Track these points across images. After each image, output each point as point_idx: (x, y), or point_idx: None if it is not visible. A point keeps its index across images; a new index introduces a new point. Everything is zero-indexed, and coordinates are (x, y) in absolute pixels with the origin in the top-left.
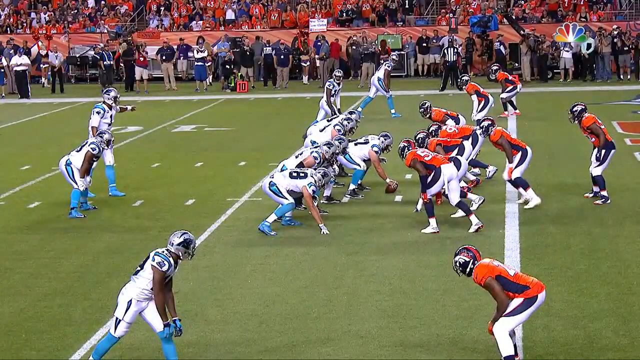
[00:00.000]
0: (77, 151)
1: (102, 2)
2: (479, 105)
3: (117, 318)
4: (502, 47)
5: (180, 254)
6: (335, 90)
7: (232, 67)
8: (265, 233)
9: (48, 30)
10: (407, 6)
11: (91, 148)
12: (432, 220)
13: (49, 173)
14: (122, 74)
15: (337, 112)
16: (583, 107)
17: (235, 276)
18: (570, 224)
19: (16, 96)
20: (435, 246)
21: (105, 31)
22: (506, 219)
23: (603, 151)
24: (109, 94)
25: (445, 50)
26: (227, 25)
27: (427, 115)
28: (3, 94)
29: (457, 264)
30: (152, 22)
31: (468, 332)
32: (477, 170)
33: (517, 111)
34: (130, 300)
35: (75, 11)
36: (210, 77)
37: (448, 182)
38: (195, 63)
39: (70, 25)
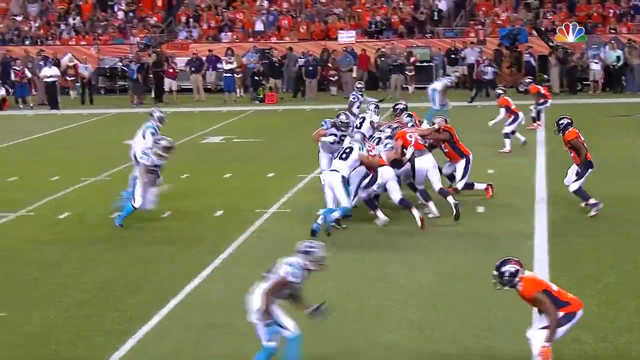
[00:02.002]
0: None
1: (132, 14)
2: (507, 120)
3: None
4: (531, 59)
5: (307, 264)
6: (359, 102)
7: (260, 78)
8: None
9: (77, 41)
10: (435, 18)
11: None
12: (379, 213)
13: (78, 184)
14: (151, 86)
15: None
16: (569, 120)
17: None
18: (600, 236)
19: (46, 107)
20: (463, 259)
21: (135, 42)
22: (535, 231)
23: (582, 168)
24: (154, 115)
25: (484, 68)
26: (256, 36)
27: (396, 116)
28: (32, 105)
29: (508, 273)
30: (181, 33)
31: (497, 345)
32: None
33: (538, 123)
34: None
35: (105, 22)
36: (240, 89)
37: (385, 183)
38: (224, 74)
39: (100, 37)
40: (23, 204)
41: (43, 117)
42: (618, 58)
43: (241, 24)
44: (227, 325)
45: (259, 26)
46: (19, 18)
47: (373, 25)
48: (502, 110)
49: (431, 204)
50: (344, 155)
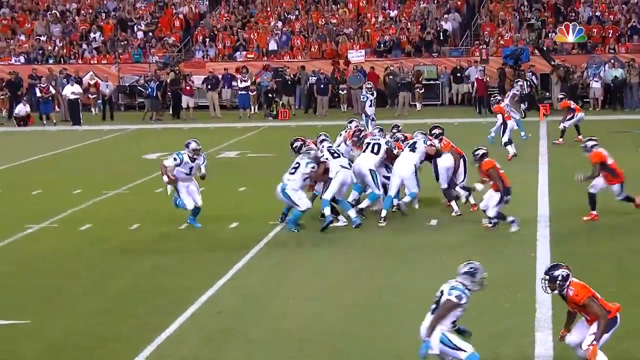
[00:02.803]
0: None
1: (151, 34)
2: (500, 127)
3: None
4: (533, 77)
5: (468, 284)
6: (369, 100)
7: (274, 95)
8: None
9: (99, 60)
10: (441, 38)
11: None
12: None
13: (99, 197)
14: (168, 103)
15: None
16: (485, 151)
17: (276, 296)
18: (600, 247)
19: (69, 123)
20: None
21: (154, 61)
22: (537, 242)
23: (502, 195)
24: (188, 147)
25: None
26: (270, 55)
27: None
28: (55, 122)
29: (561, 277)
30: (198, 52)
31: (503, 352)
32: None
33: (580, 137)
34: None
35: (125, 42)
36: (255, 105)
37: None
38: (239, 92)
39: (120, 56)
40: (47, 216)
41: (66, 133)
42: (616, 77)
43: (256, 44)
44: (238, 332)
45: (273, 46)
46: (43, 38)
47: (382, 45)
48: (500, 117)
49: (453, 203)
50: (375, 149)
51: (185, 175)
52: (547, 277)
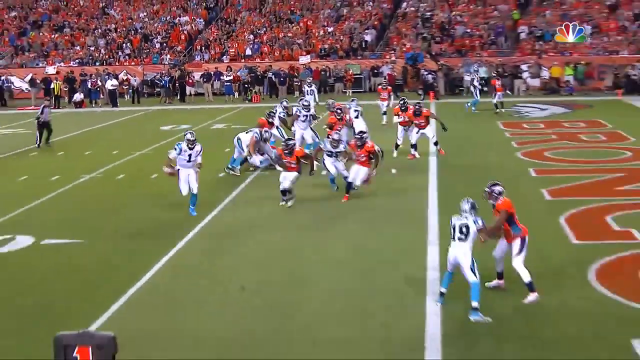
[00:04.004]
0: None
1: (165, 44)
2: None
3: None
4: (426, 73)
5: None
6: (310, 90)
7: (249, 86)
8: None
9: (129, 62)
10: (363, 46)
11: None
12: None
13: (130, 156)
14: (177, 91)
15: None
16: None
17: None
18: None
19: (109, 106)
20: (369, 234)
21: (167, 62)
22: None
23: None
24: (187, 137)
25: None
26: (246, 58)
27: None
28: (100, 105)
29: (497, 191)
30: (197, 56)
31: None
32: None
33: (498, 111)
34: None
35: (147, 50)
36: (236, 92)
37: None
38: (225, 83)
39: (144, 59)
40: (95, 169)
41: (107, 113)
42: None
43: (236, 50)
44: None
45: (248, 52)
46: (92, 48)
47: (323, 51)
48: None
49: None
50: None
51: (186, 162)
52: (488, 190)
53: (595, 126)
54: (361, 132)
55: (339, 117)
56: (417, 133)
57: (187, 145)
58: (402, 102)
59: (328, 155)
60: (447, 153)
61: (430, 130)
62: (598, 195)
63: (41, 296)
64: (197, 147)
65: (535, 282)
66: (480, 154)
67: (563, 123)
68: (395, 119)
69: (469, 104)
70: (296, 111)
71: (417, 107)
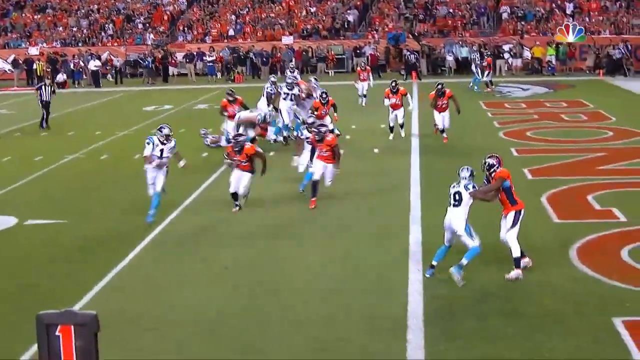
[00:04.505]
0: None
1: (147, 24)
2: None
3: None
4: (408, 53)
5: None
6: (292, 75)
7: (232, 66)
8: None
9: (112, 43)
10: (346, 26)
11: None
12: None
13: (113, 136)
14: (160, 72)
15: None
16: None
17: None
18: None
19: (92, 87)
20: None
21: (150, 43)
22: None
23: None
24: (161, 131)
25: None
26: (229, 39)
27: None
28: (83, 86)
29: (488, 163)
30: (180, 37)
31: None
32: None
33: (489, 89)
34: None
35: (130, 31)
36: (219, 73)
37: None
38: (208, 64)
39: (127, 40)
40: (78, 149)
41: (91, 93)
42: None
43: (218, 31)
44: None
45: (231, 32)
46: (74, 29)
47: (305, 31)
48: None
49: None
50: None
51: (157, 159)
52: (483, 161)
53: (576, 106)
54: (321, 125)
55: (323, 102)
56: (441, 115)
57: (160, 140)
58: (393, 83)
59: (309, 143)
60: (429, 130)
61: (446, 118)
62: (579, 175)
63: (25, 277)
64: (171, 143)
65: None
66: (463, 133)
67: (545, 103)
68: (386, 102)
69: (471, 84)
70: (280, 90)
71: (440, 87)
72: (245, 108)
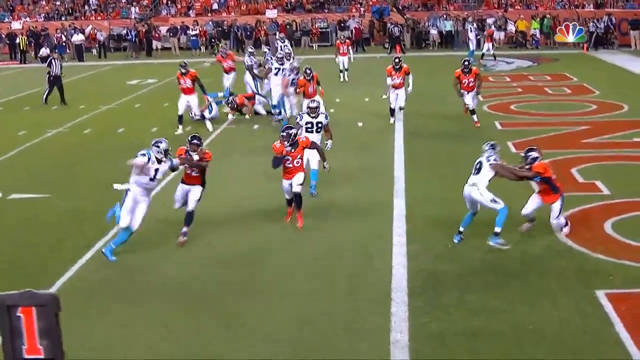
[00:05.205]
0: None
1: None
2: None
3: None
4: (392, 27)
5: (494, 154)
6: (281, 45)
7: (215, 40)
8: None
9: (96, 17)
10: None
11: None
12: None
13: (97, 110)
14: (144, 46)
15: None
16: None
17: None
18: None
19: (76, 61)
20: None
21: (134, 17)
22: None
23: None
24: (158, 146)
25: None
26: (213, 12)
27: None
28: (67, 60)
29: (531, 158)
30: (163, 11)
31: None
32: None
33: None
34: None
35: (114, 5)
36: (202, 47)
37: None
38: (191, 37)
39: (111, 13)
40: (61, 123)
41: (74, 67)
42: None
43: (202, 4)
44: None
45: (215, 6)
46: (58, 2)
47: (289, 5)
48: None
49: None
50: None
51: (148, 181)
52: (523, 154)
53: (560, 79)
54: (287, 128)
55: (308, 78)
56: (470, 95)
57: (157, 157)
58: (396, 60)
59: (307, 130)
60: (414, 106)
61: (474, 98)
62: (563, 148)
63: (9, 251)
64: (167, 165)
65: (502, 235)
66: (447, 107)
67: (529, 76)
68: (388, 81)
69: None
70: (269, 63)
71: (466, 62)
72: (199, 82)
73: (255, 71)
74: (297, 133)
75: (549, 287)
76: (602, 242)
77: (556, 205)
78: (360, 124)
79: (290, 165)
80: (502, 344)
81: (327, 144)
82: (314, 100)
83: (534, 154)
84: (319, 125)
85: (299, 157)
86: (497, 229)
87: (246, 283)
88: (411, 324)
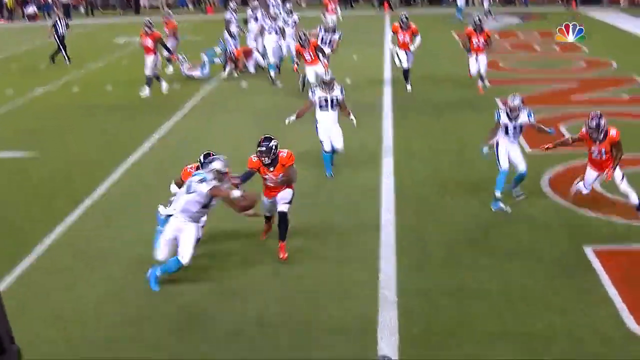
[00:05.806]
0: None
1: None
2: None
3: None
4: None
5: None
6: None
7: None
8: None
9: None
10: None
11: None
12: None
13: (84, 69)
14: (131, 4)
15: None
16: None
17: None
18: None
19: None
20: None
21: None
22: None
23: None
24: (207, 166)
25: None
26: None
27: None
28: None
29: (603, 124)
30: None
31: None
32: None
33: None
34: None
35: None
36: (190, 4)
37: None
38: None
39: None
40: (49, 82)
41: None
42: None
43: None
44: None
45: None
46: None
47: None
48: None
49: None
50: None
51: (200, 209)
52: (595, 124)
53: (549, 37)
54: (266, 139)
55: (304, 44)
56: (475, 59)
57: (205, 178)
58: (403, 17)
59: (321, 107)
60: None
61: (483, 61)
62: (552, 104)
63: None
64: (226, 185)
65: (493, 192)
66: (435, 65)
67: (518, 34)
68: (394, 39)
69: (460, 16)
70: (261, 21)
71: (478, 18)
72: (162, 43)
73: (235, 29)
74: (277, 146)
75: (537, 243)
76: (589, 198)
77: (618, 171)
78: (348, 81)
79: (271, 184)
80: (490, 301)
81: (352, 120)
82: (327, 73)
83: (603, 121)
84: (335, 100)
85: (281, 175)
86: (516, 191)
87: (237, 248)
88: (399, 280)
